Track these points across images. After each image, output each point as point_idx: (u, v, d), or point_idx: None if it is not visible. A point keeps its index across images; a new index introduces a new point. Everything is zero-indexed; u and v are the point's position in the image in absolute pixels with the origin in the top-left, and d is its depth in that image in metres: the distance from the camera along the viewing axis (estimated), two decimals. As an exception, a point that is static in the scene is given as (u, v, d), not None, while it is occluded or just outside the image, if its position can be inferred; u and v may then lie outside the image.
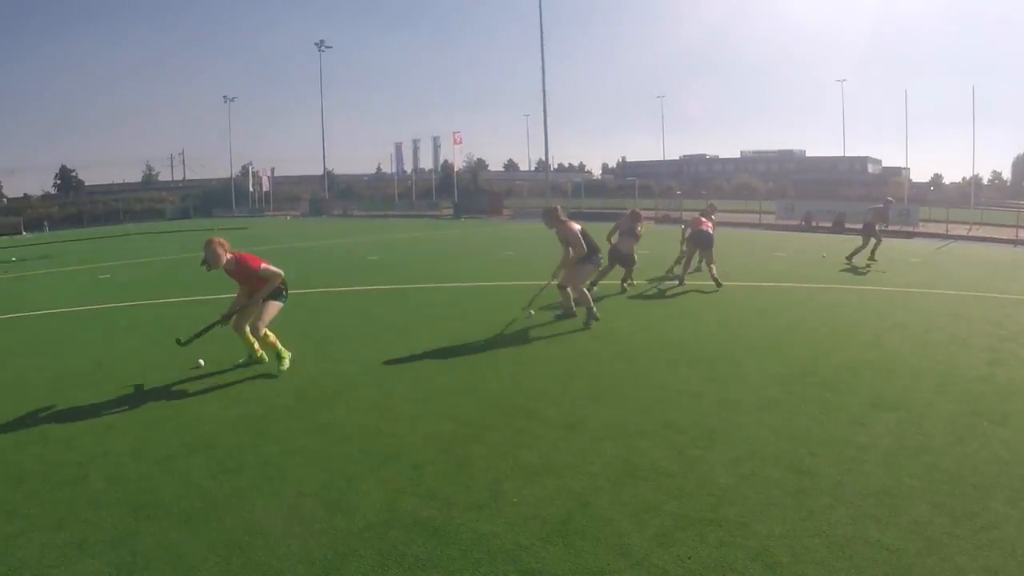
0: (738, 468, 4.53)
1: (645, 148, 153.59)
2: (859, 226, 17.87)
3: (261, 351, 7.14)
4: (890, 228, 17.83)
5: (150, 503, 4.12)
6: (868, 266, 15.88)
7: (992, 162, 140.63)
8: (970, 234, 30.25)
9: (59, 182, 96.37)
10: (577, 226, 9.22)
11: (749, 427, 5.30)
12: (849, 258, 16.63)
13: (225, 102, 78.78)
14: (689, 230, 13.23)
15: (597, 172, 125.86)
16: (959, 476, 4.40)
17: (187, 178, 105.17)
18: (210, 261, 6.68)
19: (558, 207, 9.66)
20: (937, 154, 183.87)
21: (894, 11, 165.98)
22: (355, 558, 3.48)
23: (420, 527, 3.78)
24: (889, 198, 20.81)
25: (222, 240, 6.81)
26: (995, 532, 3.69)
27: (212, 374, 6.94)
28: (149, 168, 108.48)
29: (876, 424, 5.36)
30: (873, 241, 16.75)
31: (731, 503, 4.04)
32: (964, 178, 71.27)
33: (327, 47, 69.74)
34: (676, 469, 4.53)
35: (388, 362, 7.29)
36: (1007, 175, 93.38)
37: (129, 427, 5.44)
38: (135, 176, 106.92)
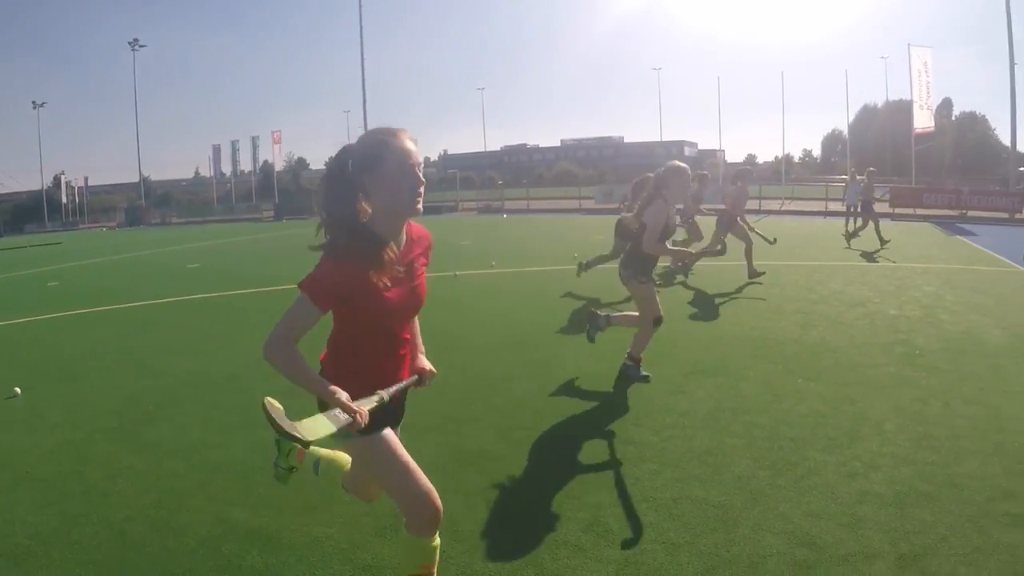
0: (565, 444, 4.69)
1: (467, 141, 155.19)
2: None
3: None
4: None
5: (-28, 545, 3.78)
6: (877, 250, 15.15)
7: (803, 141, 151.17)
8: (782, 208, 32.50)
9: None
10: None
11: (573, 405, 5.47)
12: (850, 235, 16.38)
13: (34, 108, 72.02)
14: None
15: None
16: (777, 431, 4.72)
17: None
18: None
19: None
20: (751, 136, 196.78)
21: (706, 2, 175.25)
22: (189, 577, 3.34)
23: (253, 537, 3.66)
24: (871, 168, 18.04)
25: None
26: (815, 479, 3.99)
27: (25, 402, 6.40)
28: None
29: (696, 390, 5.67)
30: (872, 221, 16.25)
31: (559, 479, 4.15)
32: (776, 157, 76.00)
33: (141, 46, 65.40)
34: (503, 452, 4.61)
35: (210, 373, 6.98)
36: (817, 152, 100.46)
37: (-61, 466, 4.95)
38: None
